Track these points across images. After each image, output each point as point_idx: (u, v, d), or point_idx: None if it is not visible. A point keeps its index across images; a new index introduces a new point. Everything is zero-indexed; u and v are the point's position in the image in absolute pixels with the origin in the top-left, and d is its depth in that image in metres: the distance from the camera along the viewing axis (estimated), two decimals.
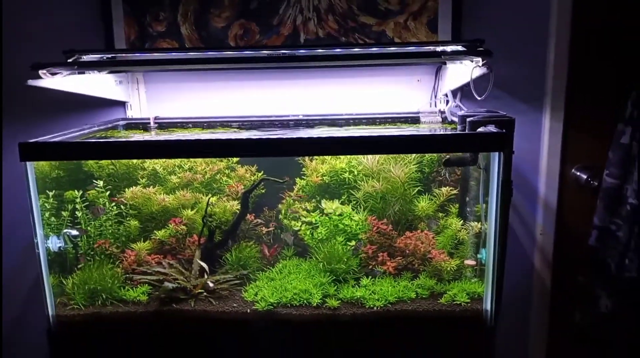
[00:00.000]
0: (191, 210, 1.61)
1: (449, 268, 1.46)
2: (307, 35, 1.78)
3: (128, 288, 1.46)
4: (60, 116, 1.74)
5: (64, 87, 1.47)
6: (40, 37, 1.68)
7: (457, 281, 1.46)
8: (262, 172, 1.68)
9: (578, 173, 1.78)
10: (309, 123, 1.75)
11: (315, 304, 1.38)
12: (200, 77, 1.85)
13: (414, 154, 1.56)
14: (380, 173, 1.57)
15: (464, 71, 1.42)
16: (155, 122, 1.80)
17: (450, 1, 1.72)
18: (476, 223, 1.48)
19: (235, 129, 1.73)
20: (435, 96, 1.78)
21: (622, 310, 1.67)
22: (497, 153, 1.23)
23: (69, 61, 1.47)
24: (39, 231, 1.34)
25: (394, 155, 1.56)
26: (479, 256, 1.45)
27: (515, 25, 1.73)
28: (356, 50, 1.52)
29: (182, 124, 1.79)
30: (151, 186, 1.63)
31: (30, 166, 1.30)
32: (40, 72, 1.35)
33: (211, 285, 1.45)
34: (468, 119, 1.29)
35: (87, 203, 1.54)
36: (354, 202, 1.60)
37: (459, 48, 1.43)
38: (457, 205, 1.57)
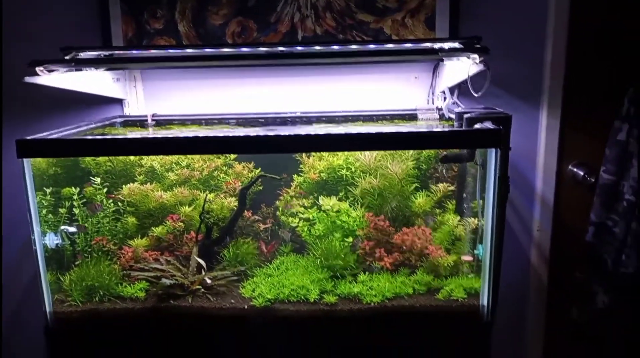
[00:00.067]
0: (189, 207, 1.61)
1: (446, 264, 1.46)
2: (304, 33, 1.78)
3: (125, 284, 1.46)
4: (57, 114, 1.73)
5: (61, 84, 1.46)
6: (38, 35, 1.68)
7: (454, 277, 1.46)
8: (259, 169, 1.68)
9: (575, 170, 1.79)
10: (307, 120, 1.75)
11: (312, 300, 1.39)
12: (198, 75, 1.85)
13: (411, 151, 1.56)
14: (378, 169, 1.58)
15: (461, 68, 1.42)
16: (153, 120, 1.80)
17: None
18: (473, 219, 1.49)
19: (233, 126, 1.73)
20: (433, 93, 1.78)
21: (619, 306, 1.68)
22: (493, 149, 1.24)
23: (66, 58, 1.46)
24: (36, 229, 1.34)
25: (392, 152, 1.57)
26: (475, 252, 1.45)
27: (513, 23, 1.73)
28: (354, 47, 1.52)
29: (180, 122, 1.79)
30: (148, 183, 1.63)
31: (28, 163, 1.30)
32: (38, 69, 1.34)
33: (209, 281, 1.46)
34: (465, 116, 1.29)
35: (85, 200, 1.54)
36: (352, 199, 1.60)
37: (456, 45, 1.43)
38: (454, 201, 1.57)
